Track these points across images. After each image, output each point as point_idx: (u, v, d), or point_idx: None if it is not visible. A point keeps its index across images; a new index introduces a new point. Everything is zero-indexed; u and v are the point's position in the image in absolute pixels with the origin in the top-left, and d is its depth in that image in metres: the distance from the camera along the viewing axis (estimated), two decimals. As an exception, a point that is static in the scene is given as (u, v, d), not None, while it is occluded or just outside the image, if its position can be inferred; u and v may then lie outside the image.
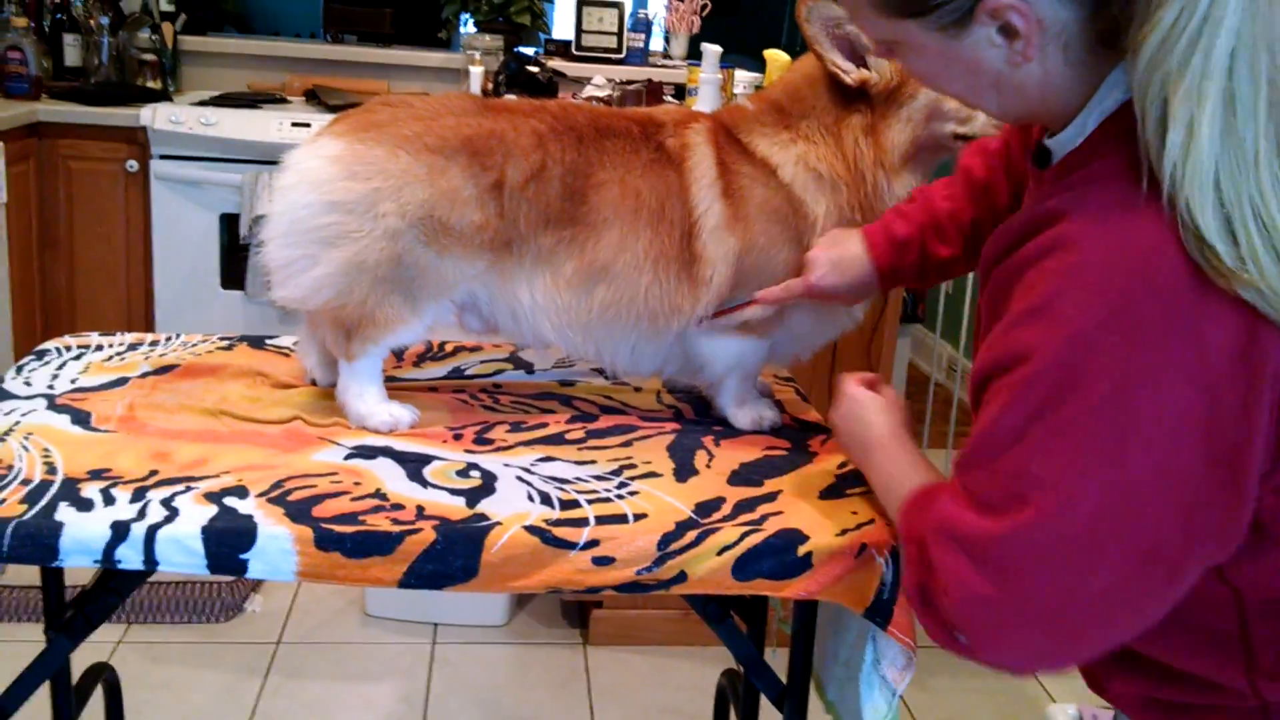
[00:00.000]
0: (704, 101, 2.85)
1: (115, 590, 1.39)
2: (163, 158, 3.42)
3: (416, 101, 1.52)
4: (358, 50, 4.15)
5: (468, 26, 4.17)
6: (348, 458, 1.41)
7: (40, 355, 1.69)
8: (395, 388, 1.60)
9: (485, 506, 1.30)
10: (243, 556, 1.22)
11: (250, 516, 1.24)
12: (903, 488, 1.13)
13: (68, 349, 1.72)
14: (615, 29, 4.03)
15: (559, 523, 1.27)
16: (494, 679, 2.67)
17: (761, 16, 6.27)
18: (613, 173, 1.50)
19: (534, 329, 1.53)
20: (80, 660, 1.79)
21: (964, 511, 0.96)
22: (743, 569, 1.26)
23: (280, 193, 1.47)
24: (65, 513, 1.22)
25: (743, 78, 2.91)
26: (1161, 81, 0.86)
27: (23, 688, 1.33)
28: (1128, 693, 1.07)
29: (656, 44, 4.33)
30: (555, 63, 3.82)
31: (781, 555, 1.27)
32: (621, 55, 4.02)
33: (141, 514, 1.23)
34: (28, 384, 1.58)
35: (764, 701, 1.55)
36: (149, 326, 3.55)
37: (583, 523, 1.27)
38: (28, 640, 2.56)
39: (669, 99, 3.31)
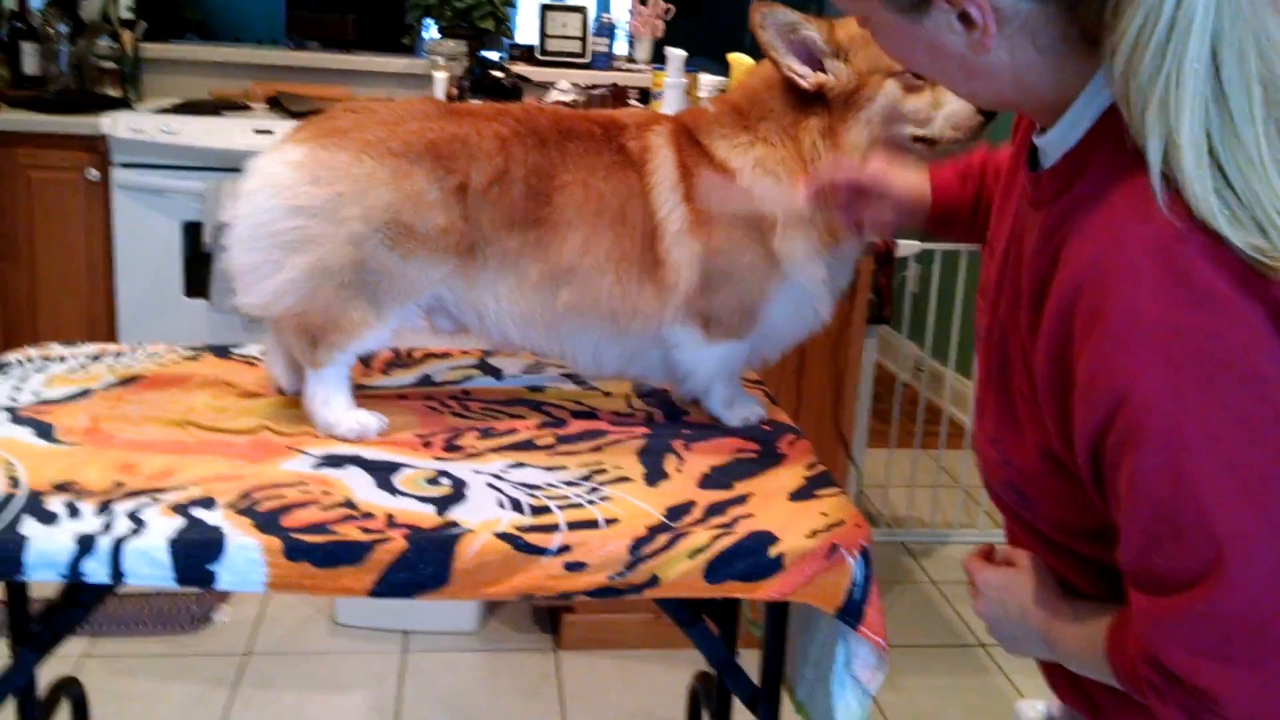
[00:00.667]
0: (669, 105, 2.86)
1: (81, 603, 1.38)
2: (124, 166, 3.39)
3: (380, 107, 1.52)
4: (321, 56, 4.13)
5: (431, 32, 4.15)
6: (316, 466, 1.40)
7: (2, 368, 1.67)
8: (364, 395, 1.59)
9: (456, 514, 1.29)
10: (211, 568, 1.21)
11: (218, 528, 1.23)
12: (1097, 637, 1.00)
13: (29, 360, 1.70)
14: (579, 34, 4.03)
15: (530, 529, 1.27)
16: (465, 685, 2.66)
17: (724, 20, 6.31)
18: (575, 174, 1.50)
19: (500, 330, 1.54)
20: (46, 674, 1.77)
21: (1164, 601, 0.89)
22: (714, 572, 1.27)
23: (244, 198, 1.47)
24: (30, 526, 1.21)
25: (708, 81, 2.92)
26: (1138, 90, 0.85)
27: (-12, 703, 1.32)
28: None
29: (621, 48, 4.33)
30: (520, 68, 3.82)
31: (753, 557, 1.27)
32: (586, 60, 4.02)
33: (107, 527, 1.21)
34: (-11, 396, 1.56)
35: (736, 704, 1.56)
36: (111, 336, 3.51)
37: (554, 528, 1.27)
38: (-9, 656, 2.53)
39: (634, 103, 3.31)
